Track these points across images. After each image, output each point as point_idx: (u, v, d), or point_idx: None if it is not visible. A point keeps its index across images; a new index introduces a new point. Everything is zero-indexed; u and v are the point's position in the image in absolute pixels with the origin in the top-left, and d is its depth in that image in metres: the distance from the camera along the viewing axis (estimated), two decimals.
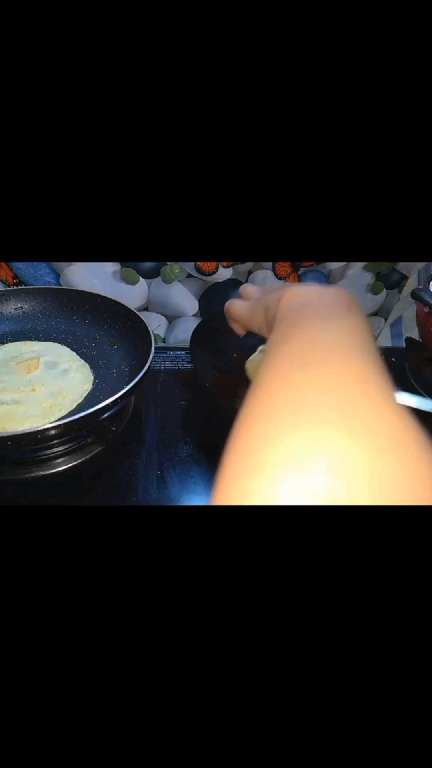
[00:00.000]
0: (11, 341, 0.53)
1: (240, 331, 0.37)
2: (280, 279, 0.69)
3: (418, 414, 0.17)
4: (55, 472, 0.42)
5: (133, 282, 0.65)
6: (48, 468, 0.42)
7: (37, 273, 0.62)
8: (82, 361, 0.52)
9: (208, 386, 0.46)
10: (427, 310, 0.57)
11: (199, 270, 0.65)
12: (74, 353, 0.52)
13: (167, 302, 0.68)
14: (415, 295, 0.57)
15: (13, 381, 0.46)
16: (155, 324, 0.71)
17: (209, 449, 0.48)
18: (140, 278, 0.65)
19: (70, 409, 0.44)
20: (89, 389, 0.48)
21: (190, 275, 0.66)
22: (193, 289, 0.68)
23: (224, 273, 0.67)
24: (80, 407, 0.45)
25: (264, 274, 0.68)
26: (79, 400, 0.46)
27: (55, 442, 0.41)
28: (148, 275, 0.65)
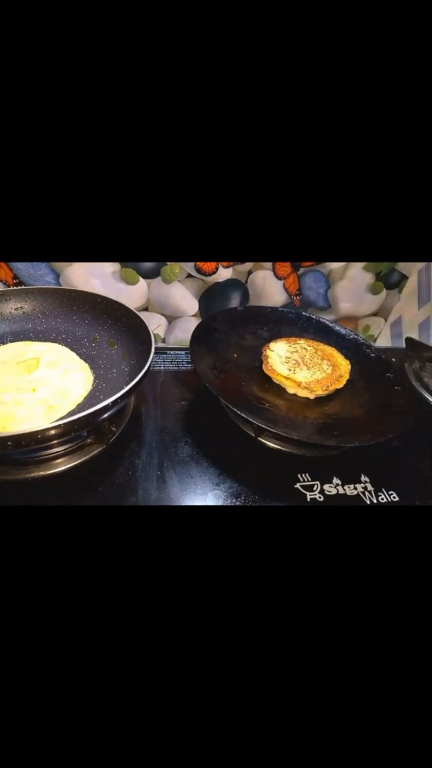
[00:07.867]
0: (11, 341, 0.53)
1: None
2: (280, 279, 0.69)
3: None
4: (55, 472, 0.42)
5: (133, 282, 0.65)
6: (48, 468, 0.42)
7: (37, 273, 0.62)
8: (82, 361, 0.52)
9: (208, 386, 0.46)
10: None
11: (199, 270, 0.65)
12: (74, 353, 0.52)
13: (167, 302, 0.68)
14: None
15: (13, 381, 0.46)
16: (155, 324, 0.71)
17: (209, 449, 0.48)
18: (140, 278, 0.65)
19: (70, 409, 0.44)
20: (89, 389, 0.48)
21: (190, 275, 0.66)
22: (193, 289, 0.68)
23: (224, 273, 0.67)
24: (80, 407, 0.45)
25: (264, 274, 0.68)
26: (79, 400, 0.46)
27: (55, 442, 0.41)
28: (148, 275, 0.65)
